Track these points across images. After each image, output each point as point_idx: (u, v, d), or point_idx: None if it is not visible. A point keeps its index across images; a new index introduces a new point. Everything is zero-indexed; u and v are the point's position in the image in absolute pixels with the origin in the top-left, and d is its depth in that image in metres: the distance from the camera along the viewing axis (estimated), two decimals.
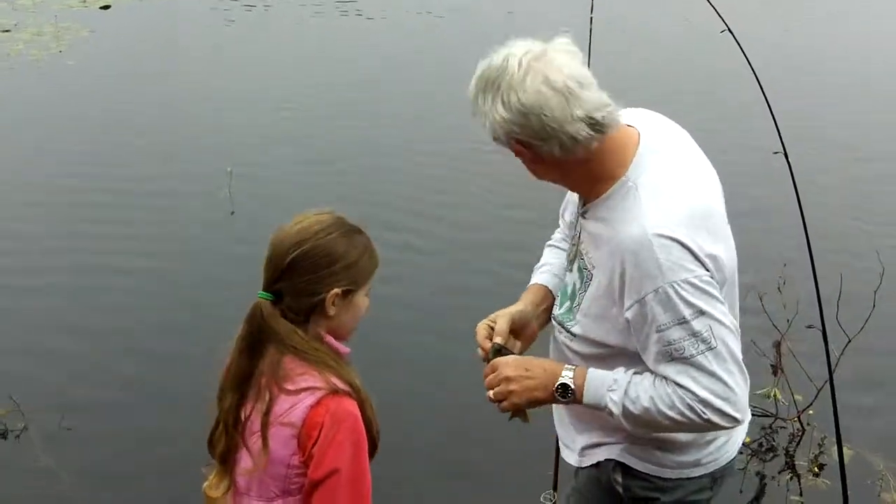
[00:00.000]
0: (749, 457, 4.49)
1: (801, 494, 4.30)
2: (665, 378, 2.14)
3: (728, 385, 2.10)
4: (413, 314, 5.73)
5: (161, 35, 12.86)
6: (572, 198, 2.48)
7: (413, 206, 7.31)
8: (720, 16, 3.39)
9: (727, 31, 3.38)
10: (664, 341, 2.11)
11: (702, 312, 2.08)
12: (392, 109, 9.82)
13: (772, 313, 4.75)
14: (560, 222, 2.65)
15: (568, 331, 2.37)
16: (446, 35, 12.86)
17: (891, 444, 4.55)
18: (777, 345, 4.67)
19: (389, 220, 6.77)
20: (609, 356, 2.26)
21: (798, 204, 3.27)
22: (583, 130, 2.09)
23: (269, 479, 2.11)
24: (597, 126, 2.10)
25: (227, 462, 2.17)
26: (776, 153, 3.28)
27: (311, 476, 2.07)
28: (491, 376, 2.35)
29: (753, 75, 3.38)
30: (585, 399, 2.24)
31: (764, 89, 3.38)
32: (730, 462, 2.45)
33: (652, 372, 2.18)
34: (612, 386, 2.20)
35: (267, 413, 2.07)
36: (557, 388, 2.26)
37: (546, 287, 2.59)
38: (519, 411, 2.37)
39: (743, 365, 2.14)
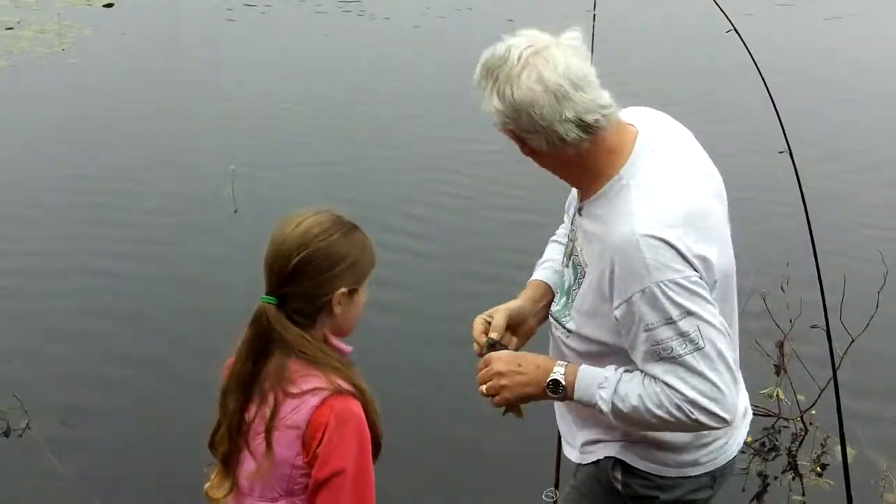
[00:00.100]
0: (751, 456, 4.49)
1: (803, 494, 4.30)
2: (654, 377, 2.14)
3: (716, 385, 2.10)
4: (413, 314, 5.73)
5: (164, 33, 12.86)
6: (574, 192, 2.49)
7: (413, 207, 7.32)
8: (726, 15, 3.39)
9: (733, 31, 3.37)
10: (652, 341, 2.11)
11: (689, 313, 2.08)
12: (394, 109, 9.82)
13: (774, 313, 4.75)
14: (564, 217, 2.65)
15: (564, 327, 2.38)
16: (448, 34, 12.87)
17: (894, 444, 4.55)
18: (780, 345, 4.67)
19: (389, 222, 6.78)
20: (604, 353, 2.27)
21: (803, 203, 3.27)
22: (571, 132, 2.10)
23: (273, 480, 2.11)
24: (587, 128, 2.11)
25: (229, 464, 2.16)
26: (781, 153, 3.28)
27: (315, 476, 2.06)
28: (483, 371, 2.36)
29: (759, 75, 3.37)
30: (576, 395, 2.25)
31: (769, 89, 3.37)
32: (730, 461, 2.44)
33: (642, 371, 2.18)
34: (602, 383, 2.21)
35: (272, 418, 2.06)
36: (549, 384, 2.27)
37: (546, 283, 2.59)
38: (512, 407, 2.38)
39: (732, 365, 2.14)
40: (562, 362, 2.30)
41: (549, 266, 2.62)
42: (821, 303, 3.27)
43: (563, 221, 2.68)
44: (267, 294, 2.10)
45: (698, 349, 2.09)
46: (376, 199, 7.34)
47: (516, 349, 2.47)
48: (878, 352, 5.08)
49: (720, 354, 2.11)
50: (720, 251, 2.19)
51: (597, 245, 2.22)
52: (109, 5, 14.31)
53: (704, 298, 2.11)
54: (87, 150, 8.48)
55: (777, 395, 4.68)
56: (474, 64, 2.20)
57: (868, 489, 4.20)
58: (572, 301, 2.36)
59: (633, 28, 12.83)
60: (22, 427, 4.57)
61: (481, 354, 2.41)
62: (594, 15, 3.60)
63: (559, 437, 2.65)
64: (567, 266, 2.43)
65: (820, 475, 4.38)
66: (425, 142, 8.86)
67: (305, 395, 2.06)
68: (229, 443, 2.13)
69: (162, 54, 11.82)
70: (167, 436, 4.51)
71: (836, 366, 3.27)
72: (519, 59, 2.10)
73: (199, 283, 6.10)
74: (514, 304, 2.54)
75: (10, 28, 13.03)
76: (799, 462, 4.50)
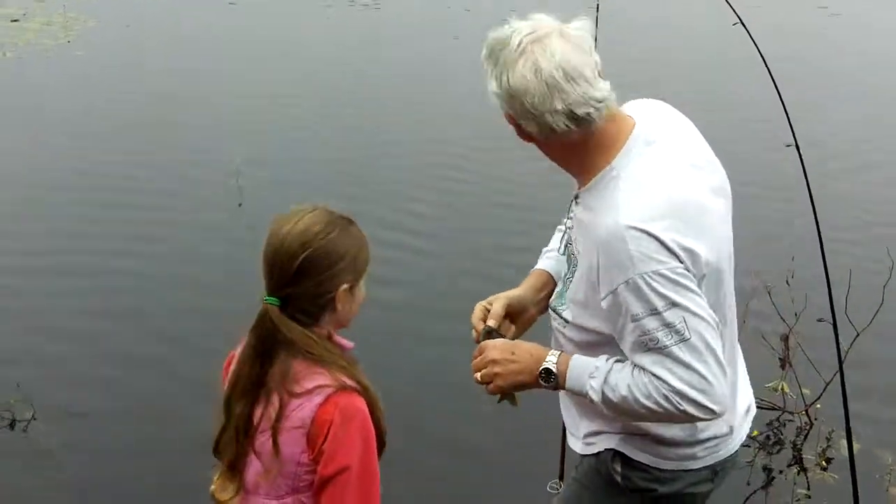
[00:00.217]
0: (756, 450, 4.49)
1: (808, 488, 4.30)
2: (642, 368, 2.14)
3: (704, 376, 2.09)
4: (416, 310, 5.72)
5: (170, 25, 12.87)
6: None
7: (417, 203, 7.29)
8: (732, 8, 3.37)
9: (739, 24, 3.36)
10: (639, 332, 2.11)
11: (674, 304, 2.08)
12: (401, 102, 9.82)
13: (780, 306, 4.74)
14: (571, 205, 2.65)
15: (560, 316, 2.38)
16: (456, 27, 12.84)
17: None
18: (785, 338, 4.66)
19: (392, 218, 6.78)
20: (600, 343, 2.26)
21: (809, 197, 3.26)
22: (561, 122, 2.11)
23: (279, 478, 2.10)
24: (577, 120, 2.12)
25: (236, 467, 2.15)
26: (788, 146, 3.27)
27: (321, 473, 2.06)
28: (478, 359, 2.37)
29: (766, 68, 3.36)
30: (568, 384, 2.26)
31: (776, 82, 3.36)
32: (731, 456, 2.43)
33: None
34: (593, 373, 2.21)
35: (277, 418, 2.06)
36: (541, 372, 2.28)
37: (548, 273, 2.59)
38: (507, 395, 2.39)
39: (721, 357, 2.13)
40: (555, 351, 2.31)
41: (553, 255, 2.62)
42: (826, 297, 3.27)
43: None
44: (269, 295, 2.09)
45: (684, 340, 2.08)
46: (380, 195, 7.33)
47: (515, 338, 2.47)
48: (884, 346, 5.07)
49: (707, 345, 2.10)
50: (711, 245, 2.18)
51: (586, 235, 2.24)
52: None
53: (690, 289, 2.10)
54: (91, 143, 8.48)
55: (782, 389, 4.68)
56: (479, 62, 2.21)
57: (873, 483, 4.20)
58: (567, 290, 2.37)
59: (638, 21, 12.81)
60: (28, 417, 4.58)
61: (478, 341, 2.42)
62: (598, 5, 3.58)
63: (563, 429, 2.65)
64: (564, 254, 2.45)
65: (825, 469, 4.38)
66: (431, 136, 8.85)
67: (309, 393, 2.06)
68: (236, 446, 2.12)
69: (168, 46, 11.82)
70: (168, 432, 4.51)
71: (843, 359, 3.26)
72: (519, 45, 2.11)
73: (205, 276, 6.10)
74: (514, 293, 2.55)
75: (15, 20, 13.04)
76: (804, 456, 4.49)
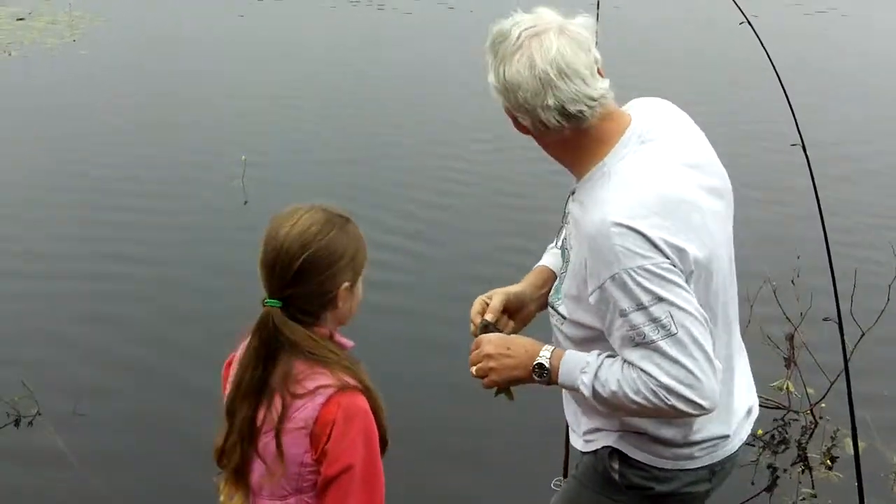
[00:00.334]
0: (761, 449, 4.49)
1: (813, 487, 4.29)
2: (631, 363, 2.14)
3: (691, 371, 2.09)
4: (422, 308, 5.74)
5: (175, 25, 12.88)
6: None
7: (420, 204, 7.29)
8: (739, 7, 3.37)
9: (746, 23, 3.35)
10: (627, 326, 2.12)
11: (660, 299, 2.08)
12: (403, 101, 9.83)
13: (785, 305, 4.74)
14: None
15: (557, 312, 2.39)
16: (461, 26, 12.85)
17: None
18: (790, 337, 4.65)
19: (395, 220, 6.77)
20: (596, 339, 2.26)
21: (815, 196, 3.25)
22: (552, 118, 2.13)
23: (283, 479, 2.09)
24: (568, 117, 2.13)
25: (243, 473, 2.14)
26: (794, 145, 3.26)
27: (324, 473, 2.05)
28: (474, 353, 2.39)
29: (772, 67, 3.36)
30: (560, 379, 2.27)
31: (783, 82, 3.36)
32: (730, 456, 2.42)
33: None
34: (584, 368, 2.22)
35: (281, 420, 2.05)
36: (534, 367, 2.29)
37: (549, 269, 2.59)
38: (503, 389, 2.40)
39: (710, 352, 2.12)
40: (549, 346, 2.32)
41: (555, 251, 2.62)
42: (831, 297, 3.26)
43: None
44: (270, 297, 2.08)
45: (671, 335, 2.08)
46: (384, 193, 7.34)
47: (513, 333, 2.47)
48: (889, 346, 5.06)
49: (695, 340, 2.10)
50: (701, 244, 2.17)
51: (578, 230, 2.25)
52: None
53: (677, 285, 2.10)
54: (99, 140, 8.50)
55: (787, 388, 4.67)
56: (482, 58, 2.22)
57: (878, 482, 4.20)
58: (562, 286, 2.38)
59: (639, 20, 12.80)
60: (32, 414, 4.59)
61: (476, 335, 2.44)
62: (598, 2, 3.57)
63: (567, 427, 2.66)
64: (560, 249, 2.46)
65: (830, 468, 4.37)
66: (434, 134, 8.85)
67: (312, 393, 2.05)
68: (241, 451, 2.11)
69: (173, 46, 11.84)
70: (176, 422, 4.53)
71: (848, 358, 3.26)
72: (517, 39, 2.13)
73: (209, 271, 6.11)
74: (514, 288, 2.55)
75: (21, 19, 13.06)
76: (809, 455, 4.49)
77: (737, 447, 2.43)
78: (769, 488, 4.31)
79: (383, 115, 9.40)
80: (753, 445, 4.42)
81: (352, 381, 2.07)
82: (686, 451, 2.36)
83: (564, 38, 2.12)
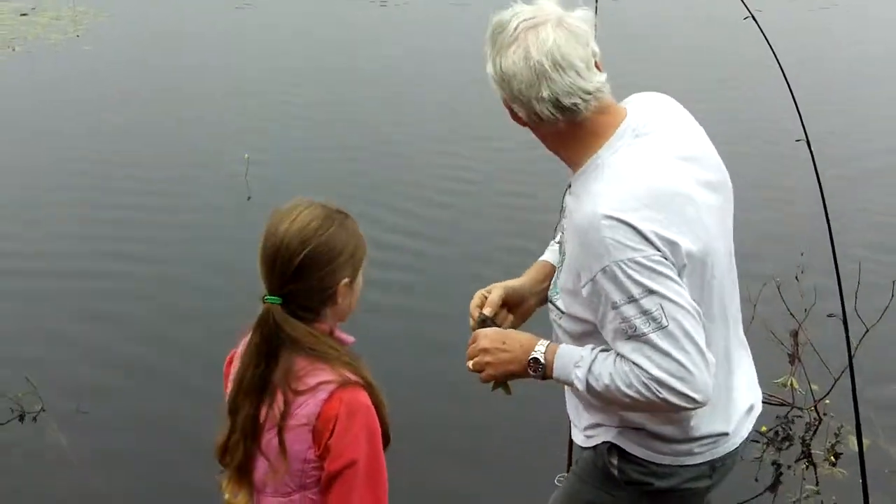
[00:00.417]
0: (765, 446, 4.48)
1: (816, 484, 4.29)
2: (623, 356, 2.14)
3: (683, 364, 2.09)
4: (422, 306, 5.73)
5: (179, 20, 12.88)
6: None
7: (423, 203, 7.27)
8: (744, 2, 3.35)
9: (750, 18, 3.34)
10: (618, 319, 2.12)
11: (651, 291, 2.08)
12: (408, 97, 9.82)
13: (789, 302, 4.73)
14: None
15: (556, 306, 2.39)
16: (465, 23, 12.83)
17: None
18: (794, 334, 4.65)
19: (398, 218, 6.77)
20: (592, 333, 2.26)
21: (820, 192, 3.24)
22: (546, 110, 2.14)
23: (286, 475, 2.10)
24: (563, 109, 2.14)
25: (246, 470, 2.14)
26: (798, 141, 3.25)
27: (328, 469, 2.06)
28: (471, 347, 2.39)
29: (777, 63, 3.35)
30: (555, 374, 2.27)
31: (787, 76, 3.34)
32: (731, 452, 2.42)
33: None
34: (578, 362, 2.22)
35: (283, 417, 2.05)
36: (529, 362, 2.29)
37: (551, 264, 2.59)
38: (501, 383, 2.40)
39: (703, 346, 2.11)
40: (544, 341, 2.32)
41: (557, 247, 2.62)
42: (835, 293, 3.26)
43: None
44: (270, 294, 2.08)
45: (661, 328, 2.08)
46: (388, 190, 7.33)
47: (512, 328, 2.48)
48: (893, 342, 5.05)
49: (686, 333, 2.09)
50: (695, 237, 2.16)
51: (571, 223, 2.26)
52: None
53: (668, 277, 2.10)
54: (101, 137, 8.50)
55: (791, 385, 4.66)
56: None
57: (882, 478, 4.19)
58: (559, 279, 2.38)
59: (644, 14, 12.78)
60: (36, 410, 4.60)
61: (474, 329, 2.44)
62: None
63: (570, 423, 2.65)
64: (558, 243, 2.46)
65: (834, 464, 4.37)
66: (439, 130, 8.84)
67: (313, 389, 2.05)
68: (244, 449, 2.11)
69: (176, 41, 11.84)
70: (179, 419, 4.53)
71: (852, 354, 3.25)
72: (515, 30, 2.14)
73: (213, 268, 6.11)
74: (513, 282, 2.56)
75: (24, 14, 13.07)
76: (813, 451, 4.48)
77: (738, 444, 2.42)
78: (773, 485, 4.30)
79: (385, 114, 9.38)
80: (758, 442, 4.41)
81: (353, 377, 2.07)
82: (685, 447, 2.35)
83: (562, 31, 2.13)
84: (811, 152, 3.24)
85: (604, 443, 2.42)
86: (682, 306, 2.09)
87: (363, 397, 2.08)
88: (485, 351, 2.36)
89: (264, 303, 2.08)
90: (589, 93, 2.14)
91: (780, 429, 4.63)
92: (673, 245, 2.11)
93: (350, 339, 2.18)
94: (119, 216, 6.87)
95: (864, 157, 8.29)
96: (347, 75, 10.59)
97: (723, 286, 2.31)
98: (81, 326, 5.43)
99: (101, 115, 9.11)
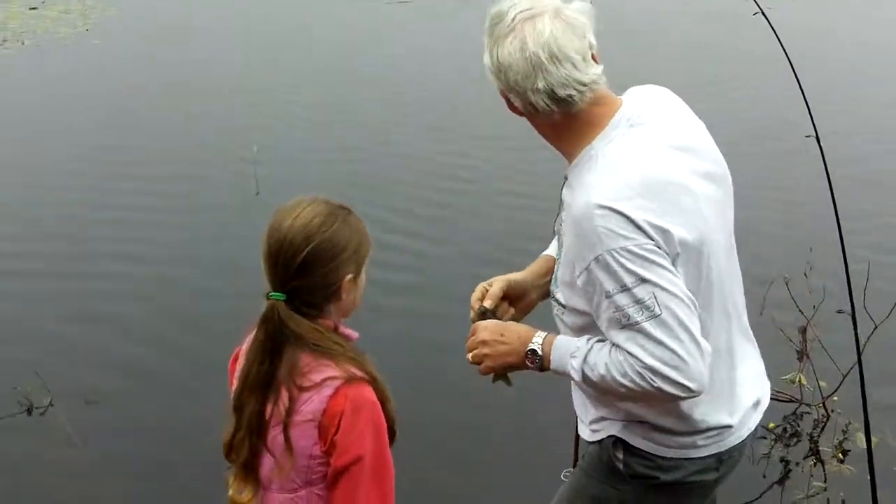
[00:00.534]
0: (773, 442, 4.47)
1: (824, 480, 4.28)
2: (617, 346, 2.15)
3: (676, 353, 2.08)
4: (422, 306, 5.72)
5: (187, 14, 12.88)
6: None
7: (427, 202, 7.24)
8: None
9: (760, 14, 3.33)
10: (612, 308, 2.12)
11: (643, 280, 2.08)
12: (417, 93, 9.80)
13: (798, 298, 4.72)
14: None
15: (557, 300, 2.39)
16: (471, 21, 12.80)
17: None
18: (803, 330, 4.63)
19: (400, 217, 6.76)
20: (592, 326, 2.26)
21: (829, 188, 3.23)
22: (541, 101, 2.15)
23: (292, 472, 2.10)
24: (558, 101, 2.15)
25: (252, 467, 2.14)
26: (808, 137, 3.24)
27: (334, 464, 2.06)
28: (470, 340, 2.40)
29: (786, 58, 3.33)
30: (552, 365, 2.28)
31: (797, 73, 3.33)
32: (738, 445, 2.41)
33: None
34: (574, 353, 2.23)
35: (288, 413, 2.06)
36: (527, 353, 2.30)
37: (554, 258, 2.57)
38: (501, 375, 2.42)
39: (698, 335, 2.11)
40: (542, 333, 2.33)
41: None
42: (844, 289, 3.25)
43: None
44: (274, 290, 2.08)
45: (654, 316, 2.08)
46: (394, 186, 7.32)
47: (513, 322, 2.48)
48: None
49: (680, 322, 2.09)
50: (692, 226, 2.16)
51: (567, 213, 2.26)
52: None
53: (661, 266, 2.10)
54: (109, 132, 8.51)
55: (799, 381, 4.65)
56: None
57: (891, 475, 4.17)
58: (558, 272, 2.38)
59: (643, 10, 12.75)
60: (45, 404, 4.61)
61: (474, 321, 2.45)
62: None
63: (576, 418, 2.65)
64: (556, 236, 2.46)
65: (842, 461, 4.35)
66: (445, 127, 8.83)
67: (318, 385, 2.05)
68: (249, 445, 2.11)
69: (185, 36, 11.84)
70: (188, 415, 4.53)
71: (861, 351, 3.24)
72: (512, 21, 2.15)
73: (222, 264, 6.11)
74: (515, 276, 2.58)
75: (34, 8, 13.09)
76: (821, 448, 4.47)
77: (745, 436, 2.42)
78: (781, 481, 4.30)
79: (386, 113, 9.36)
80: (765, 438, 4.40)
81: (359, 373, 2.08)
82: (689, 439, 2.35)
83: (559, 22, 2.14)
84: (821, 148, 3.23)
85: (609, 437, 2.42)
86: (675, 295, 2.09)
87: (369, 393, 2.08)
88: (483, 343, 2.37)
89: (268, 299, 2.08)
90: (584, 84, 2.15)
91: (788, 425, 4.62)
92: (665, 233, 2.11)
93: (354, 334, 2.19)
94: (127, 212, 6.87)
95: (870, 157, 8.24)
96: (357, 68, 10.58)
97: (722, 279, 2.30)
98: (89, 323, 5.44)
99: (108, 110, 9.12)
